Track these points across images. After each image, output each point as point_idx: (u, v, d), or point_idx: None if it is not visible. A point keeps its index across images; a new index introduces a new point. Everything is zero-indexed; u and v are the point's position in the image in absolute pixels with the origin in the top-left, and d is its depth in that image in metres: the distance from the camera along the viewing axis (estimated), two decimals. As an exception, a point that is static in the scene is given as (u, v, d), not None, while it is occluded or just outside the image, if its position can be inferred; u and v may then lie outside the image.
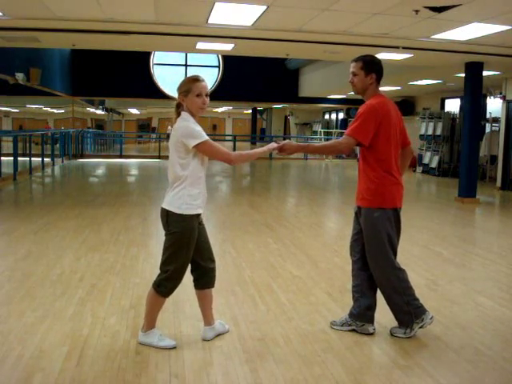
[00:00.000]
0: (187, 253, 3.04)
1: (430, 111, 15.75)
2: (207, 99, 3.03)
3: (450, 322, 3.68)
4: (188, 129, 2.95)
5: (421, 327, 3.35)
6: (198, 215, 3.06)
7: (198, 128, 2.99)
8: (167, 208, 3.00)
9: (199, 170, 3.03)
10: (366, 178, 3.33)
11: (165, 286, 3.07)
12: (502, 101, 11.94)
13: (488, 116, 13.17)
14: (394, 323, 3.53)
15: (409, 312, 3.32)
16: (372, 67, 3.31)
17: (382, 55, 9.32)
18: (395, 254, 3.40)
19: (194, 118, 3.05)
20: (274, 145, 3.23)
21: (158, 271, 4.76)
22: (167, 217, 3.01)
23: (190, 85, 2.99)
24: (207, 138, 2.96)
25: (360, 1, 5.80)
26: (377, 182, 3.29)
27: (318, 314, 3.75)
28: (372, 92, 3.34)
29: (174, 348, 3.11)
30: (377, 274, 3.36)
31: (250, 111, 34.07)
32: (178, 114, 3.04)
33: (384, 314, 3.75)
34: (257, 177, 14.48)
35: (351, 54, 9.56)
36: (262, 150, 3.26)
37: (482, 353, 3.16)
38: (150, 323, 3.16)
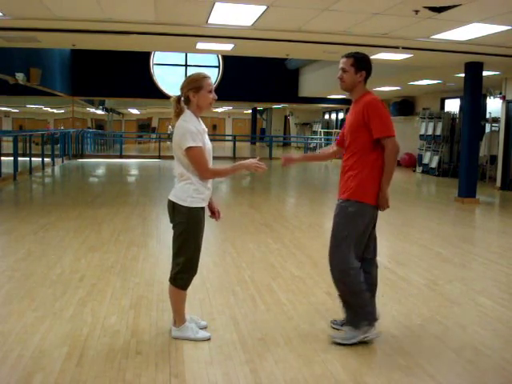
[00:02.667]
0: (195, 243, 3.13)
1: (430, 111, 15.75)
2: (215, 95, 3.15)
3: (450, 322, 3.68)
4: (185, 130, 3.02)
5: (364, 339, 3.21)
6: (203, 208, 3.15)
7: (196, 131, 3.04)
8: (173, 200, 3.11)
9: None
10: (354, 172, 3.23)
11: (181, 278, 3.15)
12: (501, 101, 11.95)
13: (488, 116, 13.17)
14: (394, 323, 3.54)
15: (357, 313, 3.23)
16: (363, 65, 3.27)
17: (382, 55, 9.33)
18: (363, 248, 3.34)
19: (198, 116, 3.13)
20: (252, 161, 3.13)
21: (158, 271, 4.77)
22: (174, 208, 3.11)
23: (201, 81, 3.08)
24: (200, 144, 3.02)
25: (360, 1, 5.80)
26: (371, 179, 3.23)
27: (318, 314, 3.75)
28: (361, 89, 3.30)
29: (209, 339, 3.21)
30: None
31: (250, 111, 34.05)
32: (181, 110, 3.11)
33: (384, 315, 3.75)
34: (257, 177, 14.48)
35: (351, 54, 9.61)
36: (240, 164, 3.18)
37: (482, 353, 3.17)
38: (181, 318, 3.24)
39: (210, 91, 3.11)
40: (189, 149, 2.99)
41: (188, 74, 3.20)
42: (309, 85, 20.35)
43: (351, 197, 3.23)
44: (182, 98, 3.12)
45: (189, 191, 3.07)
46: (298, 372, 2.85)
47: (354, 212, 3.22)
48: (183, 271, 3.13)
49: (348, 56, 3.29)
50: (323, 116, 28.74)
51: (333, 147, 3.73)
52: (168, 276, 3.25)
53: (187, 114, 3.09)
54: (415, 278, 4.73)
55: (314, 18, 6.54)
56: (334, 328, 3.48)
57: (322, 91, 19.42)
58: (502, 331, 3.55)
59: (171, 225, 3.20)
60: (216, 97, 3.15)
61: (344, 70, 3.28)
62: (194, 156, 3.02)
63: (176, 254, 3.15)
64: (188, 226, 3.09)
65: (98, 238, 5.98)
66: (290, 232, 6.66)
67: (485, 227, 7.99)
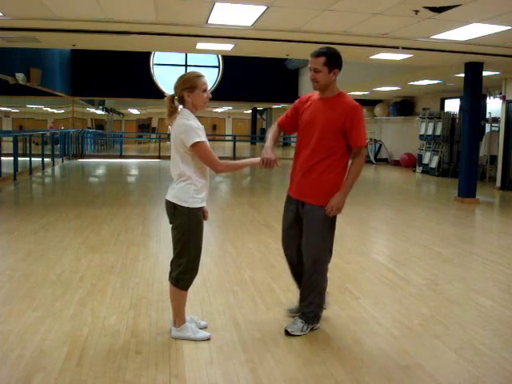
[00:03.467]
0: (197, 244, 3.13)
1: (430, 111, 15.74)
2: (209, 94, 3.14)
3: (451, 321, 3.68)
4: (188, 127, 3.02)
5: (311, 329, 3.38)
6: (202, 208, 3.15)
7: (198, 127, 3.06)
8: (174, 201, 3.09)
9: (202, 164, 3.10)
10: (323, 175, 3.22)
11: (183, 279, 3.15)
12: (501, 101, 11.95)
13: (488, 116, 13.18)
14: (394, 323, 3.53)
15: (316, 313, 3.39)
16: (335, 62, 3.15)
17: (382, 55, 9.33)
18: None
19: (195, 114, 3.13)
20: (257, 159, 3.22)
21: (158, 271, 4.77)
22: (174, 210, 3.09)
23: (195, 81, 3.07)
24: (204, 139, 3.04)
25: (360, 1, 5.80)
26: (339, 185, 3.24)
27: (318, 314, 3.75)
28: (335, 88, 3.23)
29: (209, 339, 3.21)
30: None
31: (250, 111, 34.04)
32: (174, 109, 3.10)
33: (384, 315, 3.76)
34: (257, 177, 14.48)
35: (351, 54, 9.64)
36: (251, 160, 3.31)
37: (482, 353, 3.17)
38: (181, 318, 3.23)
39: (205, 90, 3.10)
40: (195, 144, 2.98)
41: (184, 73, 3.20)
42: (309, 85, 20.29)
43: (320, 203, 3.23)
44: (176, 98, 3.12)
45: (190, 192, 3.06)
46: (297, 372, 2.85)
47: (325, 216, 3.23)
48: (185, 272, 3.13)
49: (319, 54, 3.14)
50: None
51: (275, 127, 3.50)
52: (168, 276, 3.25)
53: (186, 112, 3.09)
54: (415, 278, 4.73)
55: (314, 18, 6.55)
56: (291, 316, 3.54)
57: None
58: (501, 331, 3.55)
59: (170, 225, 3.20)
60: (210, 96, 3.14)
61: (316, 71, 3.15)
62: (203, 150, 3.02)
63: (178, 255, 3.14)
64: (189, 228, 3.09)
65: (97, 238, 5.98)
66: (290, 232, 6.65)
67: (485, 227, 7.99)
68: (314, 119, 3.25)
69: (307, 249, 3.34)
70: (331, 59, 3.14)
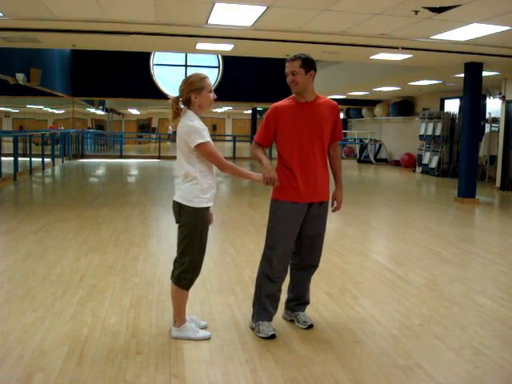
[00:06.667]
0: (201, 244, 3.14)
1: (430, 111, 15.75)
2: (215, 94, 3.23)
3: (450, 322, 3.68)
4: (192, 128, 3.05)
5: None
6: (208, 208, 3.18)
7: (202, 128, 3.10)
8: (180, 201, 3.12)
9: (208, 164, 3.13)
10: (326, 173, 3.41)
11: (184, 278, 3.16)
12: (501, 101, 11.95)
13: (487, 116, 13.18)
14: (394, 323, 3.53)
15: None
16: (311, 65, 3.28)
17: (382, 55, 9.33)
18: None
19: (199, 115, 3.17)
20: (260, 176, 3.25)
21: (158, 271, 4.77)
22: (180, 210, 3.13)
23: (202, 82, 3.13)
24: (209, 139, 3.08)
25: (360, 1, 5.80)
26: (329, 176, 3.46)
27: (318, 314, 3.75)
28: (312, 89, 3.34)
29: (209, 339, 3.22)
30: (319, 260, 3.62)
31: (250, 111, 34.01)
32: (179, 111, 3.14)
33: (384, 315, 3.76)
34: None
35: (351, 54, 9.63)
36: (252, 174, 3.33)
37: (482, 353, 3.17)
38: (181, 318, 3.25)
39: (211, 91, 3.17)
40: (199, 145, 3.02)
41: (187, 75, 3.24)
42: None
43: (329, 198, 3.46)
44: (181, 100, 3.14)
45: (195, 192, 3.09)
46: (297, 372, 2.86)
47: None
48: (187, 271, 3.15)
49: (294, 59, 3.26)
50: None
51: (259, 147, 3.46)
52: (169, 275, 3.26)
53: (190, 114, 3.12)
54: (415, 278, 4.74)
55: (314, 18, 6.55)
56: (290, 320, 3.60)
57: (322, 91, 19.38)
58: (501, 331, 3.55)
59: (174, 225, 3.22)
60: (215, 96, 3.21)
61: (294, 73, 3.25)
62: (207, 150, 3.06)
63: (181, 254, 3.16)
64: (195, 227, 3.11)
65: (98, 238, 5.98)
66: (290, 232, 6.64)
67: (484, 227, 7.99)
68: (310, 124, 3.30)
69: (318, 246, 3.50)
70: (306, 62, 3.27)
